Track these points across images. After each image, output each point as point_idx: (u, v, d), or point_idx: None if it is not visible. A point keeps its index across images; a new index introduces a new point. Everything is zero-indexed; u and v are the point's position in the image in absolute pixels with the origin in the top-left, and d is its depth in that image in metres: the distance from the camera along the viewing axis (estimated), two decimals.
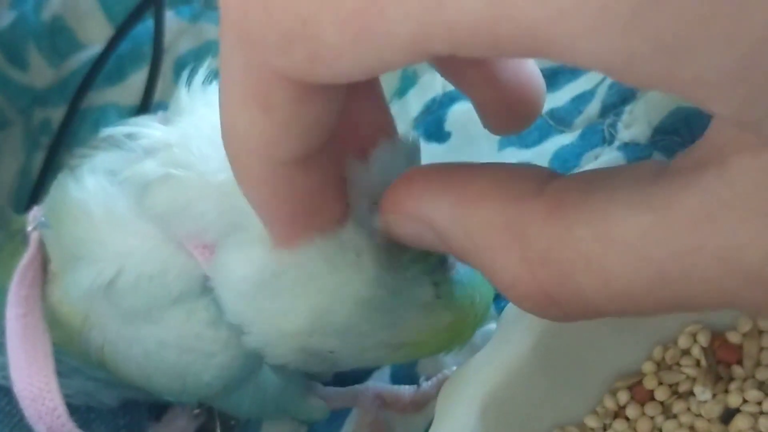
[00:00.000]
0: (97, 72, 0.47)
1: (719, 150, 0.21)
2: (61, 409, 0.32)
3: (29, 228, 0.35)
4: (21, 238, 0.35)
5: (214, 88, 0.33)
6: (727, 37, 0.18)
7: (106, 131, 0.34)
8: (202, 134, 0.31)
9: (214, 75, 0.33)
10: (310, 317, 0.29)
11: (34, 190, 0.45)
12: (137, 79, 0.47)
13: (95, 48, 0.47)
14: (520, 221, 0.24)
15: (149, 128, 0.32)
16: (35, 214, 0.35)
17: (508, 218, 0.24)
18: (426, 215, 0.26)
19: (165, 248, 0.32)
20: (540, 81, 0.29)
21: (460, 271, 0.32)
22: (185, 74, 0.33)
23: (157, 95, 0.46)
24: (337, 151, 0.27)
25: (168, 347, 0.33)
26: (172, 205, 0.31)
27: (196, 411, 0.38)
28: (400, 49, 0.20)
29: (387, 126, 0.30)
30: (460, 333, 0.32)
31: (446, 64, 0.30)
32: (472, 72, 0.29)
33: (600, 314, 0.24)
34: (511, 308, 0.33)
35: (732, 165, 0.21)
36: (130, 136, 0.33)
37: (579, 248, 0.23)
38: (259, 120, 0.23)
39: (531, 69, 0.31)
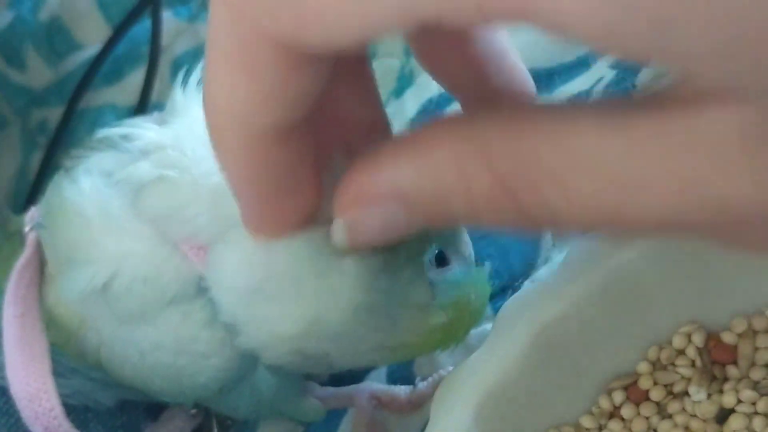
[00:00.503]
0: (94, 72, 0.47)
1: (687, 96, 0.22)
2: (58, 410, 0.32)
3: (26, 229, 0.35)
4: (18, 239, 0.35)
5: None
6: (713, 15, 0.19)
7: (102, 132, 0.34)
8: (196, 135, 0.31)
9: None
10: (303, 322, 0.30)
11: (31, 191, 0.45)
12: (134, 80, 0.47)
13: (93, 48, 0.47)
14: (484, 141, 0.24)
15: (144, 129, 0.33)
16: (32, 214, 0.35)
17: (474, 144, 0.24)
18: (390, 183, 0.26)
19: (160, 250, 0.32)
20: (526, 79, 0.29)
21: (456, 270, 0.32)
22: (181, 75, 0.33)
23: (155, 96, 0.46)
24: (319, 142, 0.27)
25: (163, 349, 0.33)
26: (165, 207, 0.31)
27: (193, 411, 0.38)
28: (386, 13, 0.21)
29: (379, 124, 0.30)
30: (455, 332, 0.33)
31: (430, 56, 0.30)
32: (455, 67, 0.30)
33: (566, 227, 0.24)
34: (506, 309, 0.33)
35: (700, 112, 0.22)
36: (125, 138, 0.33)
37: (543, 163, 0.23)
38: (242, 85, 0.24)
39: (515, 66, 0.31)
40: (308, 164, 0.27)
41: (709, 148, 0.22)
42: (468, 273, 0.32)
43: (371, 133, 0.29)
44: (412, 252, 0.31)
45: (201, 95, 0.32)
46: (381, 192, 0.26)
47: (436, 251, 0.32)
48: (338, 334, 0.30)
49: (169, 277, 0.32)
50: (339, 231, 0.27)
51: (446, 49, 0.30)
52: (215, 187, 0.30)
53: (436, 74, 0.31)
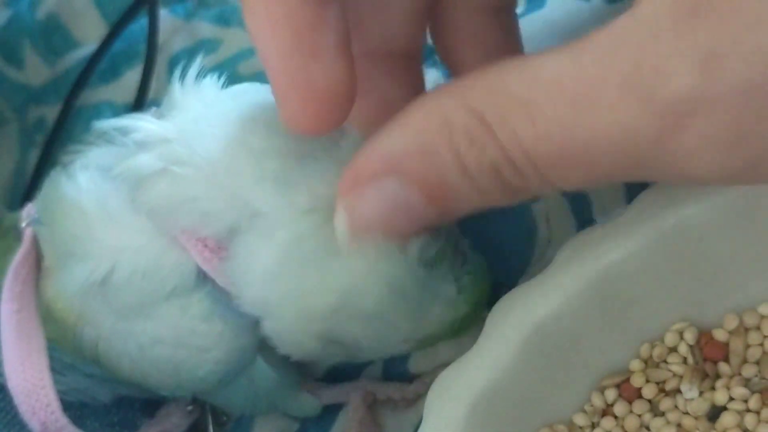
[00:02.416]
0: (91, 70, 0.47)
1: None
2: (55, 405, 0.32)
3: (23, 224, 0.35)
4: (14, 235, 0.35)
5: (207, 84, 0.33)
6: None
7: (99, 126, 0.34)
8: (202, 132, 0.32)
9: (206, 71, 0.34)
10: (339, 295, 0.30)
11: (28, 188, 0.45)
12: (131, 78, 0.47)
13: (90, 46, 0.48)
14: (463, 88, 0.26)
15: (143, 122, 0.33)
16: (29, 210, 0.35)
17: (454, 94, 0.26)
18: (382, 155, 0.27)
19: (158, 243, 0.32)
20: None
21: (473, 263, 0.33)
22: (178, 71, 0.33)
23: (152, 93, 0.46)
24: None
25: (162, 342, 0.33)
26: (170, 199, 0.31)
27: (189, 408, 0.39)
28: None
29: None
30: (472, 322, 0.33)
31: (450, 47, 0.34)
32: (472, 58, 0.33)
33: (535, 163, 0.25)
34: (499, 306, 0.33)
35: (643, 1, 0.24)
36: (122, 131, 0.33)
37: (513, 93, 0.25)
38: None
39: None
40: (338, 34, 0.28)
41: (642, 40, 0.23)
42: (480, 263, 0.33)
43: None
44: (443, 247, 0.31)
45: (199, 90, 0.33)
46: (375, 167, 0.27)
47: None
48: (369, 317, 0.31)
49: (167, 270, 0.32)
50: (340, 218, 0.28)
51: (466, 42, 0.31)
52: (231, 181, 0.31)
53: (453, 66, 0.34)
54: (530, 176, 0.26)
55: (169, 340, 0.33)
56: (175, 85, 0.33)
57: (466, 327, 0.33)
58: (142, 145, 0.32)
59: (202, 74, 0.33)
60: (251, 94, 0.33)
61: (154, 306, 0.32)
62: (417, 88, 0.34)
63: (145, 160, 0.32)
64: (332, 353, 0.33)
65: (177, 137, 0.32)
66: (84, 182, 0.33)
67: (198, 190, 0.31)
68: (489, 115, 0.25)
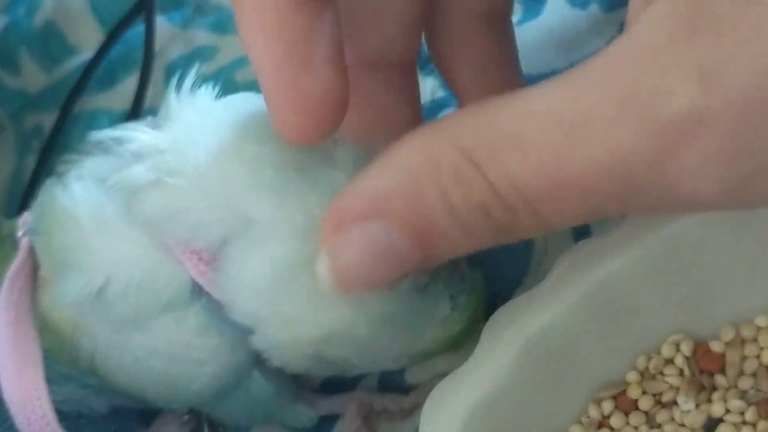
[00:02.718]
0: (88, 77, 0.47)
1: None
2: (51, 416, 0.32)
3: (19, 234, 0.35)
4: (10, 243, 0.35)
5: (202, 93, 0.33)
6: None
7: (95, 136, 0.34)
8: (195, 141, 0.32)
9: (203, 79, 0.34)
10: (329, 328, 0.30)
11: (25, 195, 0.45)
12: (128, 85, 0.47)
13: (87, 53, 0.48)
14: (451, 124, 0.26)
15: (137, 132, 0.33)
16: (25, 219, 0.35)
17: (442, 131, 0.26)
18: (366, 196, 0.26)
19: (153, 255, 0.32)
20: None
21: (468, 278, 0.33)
22: (174, 79, 0.33)
23: (148, 101, 0.46)
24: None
25: (158, 356, 0.33)
26: (163, 210, 0.31)
27: (185, 418, 0.38)
28: None
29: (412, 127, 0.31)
30: (468, 335, 0.34)
31: (445, 57, 0.34)
32: (468, 69, 0.33)
33: (526, 190, 0.25)
34: (496, 318, 0.33)
35: (638, 22, 0.23)
36: (117, 141, 0.33)
37: (503, 129, 0.24)
38: None
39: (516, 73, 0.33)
40: (331, 44, 0.28)
41: (639, 60, 0.23)
42: (476, 277, 0.33)
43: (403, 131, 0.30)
44: (437, 270, 0.31)
45: (195, 100, 0.33)
46: (360, 209, 0.26)
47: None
48: (361, 343, 0.31)
49: (162, 282, 0.32)
50: (322, 264, 0.27)
51: (461, 50, 0.31)
52: (221, 192, 0.31)
53: (448, 75, 0.34)
54: (521, 213, 0.25)
55: (165, 353, 0.33)
56: (171, 95, 0.33)
57: (462, 342, 0.33)
58: (137, 156, 0.32)
59: (197, 84, 0.33)
60: (246, 104, 0.33)
61: (150, 319, 0.32)
62: (412, 98, 0.34)
63: (139, 171, 0.32)
64: (323, 369, 0.33)
65: (170, 147, 0.32)
66: (79, 192, 0.33)
67: (191, 200, 0.31)
68: (477, 152, 0.25)
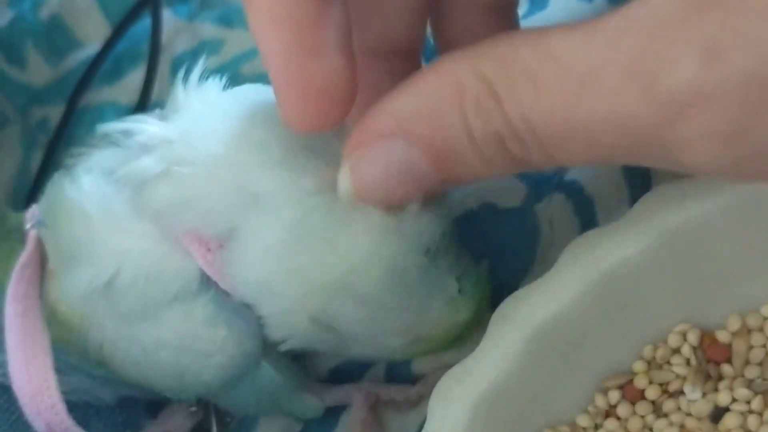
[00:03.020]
0: (94, 71, 0.47)
1: None
2: (60, 406, 0.32)
3: (27, 226, 0.35)
4: (17, 236, 0.35)
5: (209, 85, 0.33)
6: None
7: (102, 129, 0.34)
8: (203, 130, 0.32)
9: (210, 72, 0.34)
10: (340, 272, 0.30)
11: (32, 189, 0.45)
12: (135, 78, 0.47)
13: (93, 47, 0.48)
14: (476, 54, 0.27)
15: (145, 124, 0.33)
16: (33, 212, 0.35)
17: (467, 59, 0.27)
18: (390, 115, 0.27)
19: (161, 247, 0.32)
20: None
21: (478, 267, 0.33)
22: (182, 72, 0.33)
23: (155, 94, 0.46)
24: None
25: (166, 347, 0.33)
26: (172, 200, 0.31)
27: (193, 408, 0.38)
28: None
29: None
30: (472, 330, 0.34)
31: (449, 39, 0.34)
32: None
33: (538, 129, 0.26)
34: (502, 308, 0.33)
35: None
36: (125, 134, 0.33)
37: (521, 65, 0.25)
38: None
39: None
40: (340, 32, 0.29)
41: (650, 27, 0.24)
42: (480, 271, 0.33)
43: None
44: (447, 242, 0.31)
45: (202, 92, 0.33)
46: (382, 126, 0.28)
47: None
48: (367, 300, 0.31)
49: (171, 274, 0.32)
50: (344, 177, 0.29)
51: (467, 40, 0.31)
52: (234, 173, 0.31)
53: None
54: (532, 148, 0.26)
55: (173, 345, 0.33)
56: (179, 87, 0.33)
57: (466, 336, 0.33)
58: (145, 148, 0.32)
59: (204, 76, 0.33)
60: (253, 94, 0.33)
61: (158, 310, 0.32)
62: None
63: (148, 163, 0.32)
64: (326, 340, 0.32)
65: (178, 138, 0.32)
66: (87, 185, 0.33)
67: (201, 187, 0.31)
68: (497, 83, 0.26)
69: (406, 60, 0.34)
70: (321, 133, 0.30)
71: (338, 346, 0.33)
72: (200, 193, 0.31)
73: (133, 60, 0.47)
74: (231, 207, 0.31)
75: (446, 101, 0.26)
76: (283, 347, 0.33)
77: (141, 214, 0.32)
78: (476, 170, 0.28)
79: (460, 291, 0.33)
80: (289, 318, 0.32)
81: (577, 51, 0.25)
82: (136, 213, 0.32)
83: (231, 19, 0.47)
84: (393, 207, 0.30)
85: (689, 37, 0.23)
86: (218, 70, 0.37)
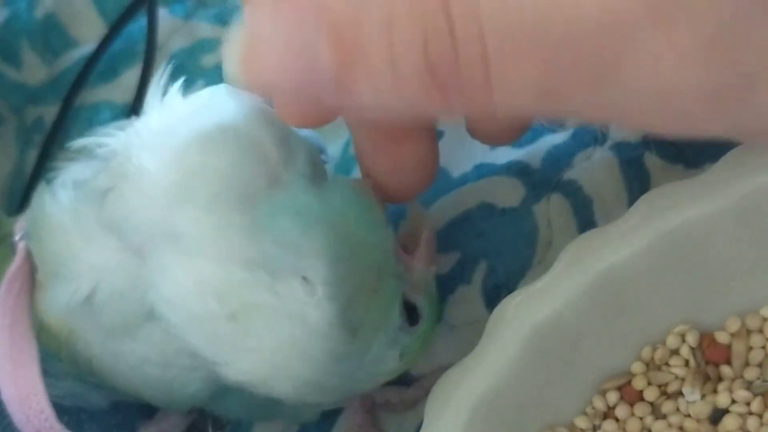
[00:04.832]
0: (90, 70, 0.47)
1: None
2: (49, 412, 0.32)
3: (16, 237, 0.35)
4: (9, 244, 0.35)
5: (171, 89, 0.33)
6: None
7: (78, 142, 0.34)
8: (143, 141, 0.31)
9: (186, 71, 0.34)
10: (250, 377, 0.30)
11: (26, 189, 0.45)
12: (130, 77, 0.47)
13: (88, 46, 0.47)
14: None
15: (107, 137, 0.33)
16: (21, 224, 0.35)
17: None
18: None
19: (131, 262, 0.31)
20: None
21: (424, 318, 0.33)
22: (158, 75, 0.33)
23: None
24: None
25: (150, 362, 0.32)
26: (117, 216, 0.31)
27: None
28: None
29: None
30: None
31: None
32: None
33: (487, 29, 0.21)
34: (500, 309, 0.33)
35: None
36: (97, 146, 0.33)
37: None
38: None
39: None
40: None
41: None
42: (431, 312, 0.33)
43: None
44: (379, 321, 0.31)
45: (167, 94, 0.33)
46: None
47: (404, 311, 0.32)
48: (303, 383, 0.30)
49: (143, 290, 0.31)
50: (235, 38, 0.25)
51: None
52: (156, 194, 0.30)
53: None
54: (466, 65, 0.22)
55: (157, 360, 0.32)
56: (153, 90, 0.33)
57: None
58: (106, 160, 0.32)
59: (173, 78, 0.33)
60: (210, 100, 0.33)
61: (137, 326, 0.32)
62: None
63: (102, 178, 0.32)
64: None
65: (122, 151, 0.32)
66: (64, 200, 0.33)
67: (133, 204, 0.31)
68: None
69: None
70: (264, 162, 0.30)
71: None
72: (133, 209, 0.31)
73: (129, 59, 0.47)
74: (156, 224, 0.31)
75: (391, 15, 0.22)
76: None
77: (107, 229, 0.32)
78: (381, 87, 0.23)
79: (402, 356, 0.32)
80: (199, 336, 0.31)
81: None
82: (103, 228, 0.32)
83: (227, 17, 0.47)
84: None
85: None
86: (214, 69, 0.37)
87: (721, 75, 0.21)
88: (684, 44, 0.21)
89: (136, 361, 0.32)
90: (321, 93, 0.24)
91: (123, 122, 0.33)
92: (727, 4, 0.21)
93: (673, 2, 0.20)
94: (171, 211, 0.30)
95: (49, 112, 0.47)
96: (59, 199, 0.33)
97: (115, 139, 0.32)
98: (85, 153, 0.33)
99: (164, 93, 0.33)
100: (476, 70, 0.22)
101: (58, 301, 0.32)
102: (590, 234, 0.33)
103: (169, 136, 0.31)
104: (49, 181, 0.34)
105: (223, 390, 0.34)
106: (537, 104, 0.22)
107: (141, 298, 0.31)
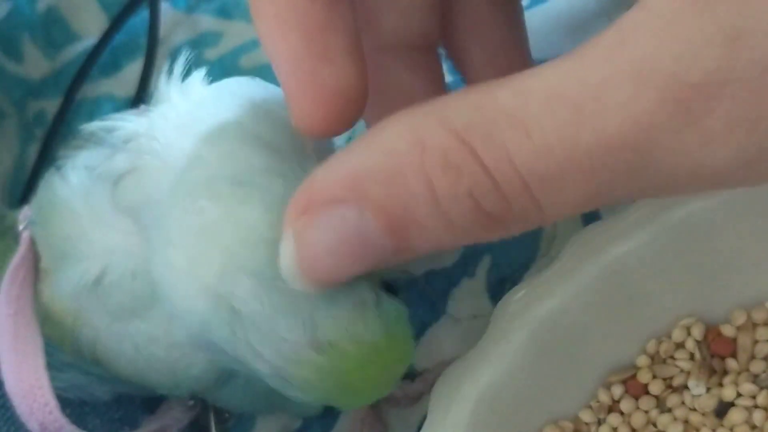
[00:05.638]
0: (92, 63, 0.47)
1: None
2: (53, 404, 0.32)
3: (20, 227, 0.35)
4: (12, 236, 0.35)
5: (193, 78, 0.33)
6: None
7: (88, 127, 0.34)
8: (169, 122, 0.32)
9: (193, 64, 0.33)
10: (232, 240, 0.29)
11: (28, 183, 0.45)
12: (132, 71, 0.46)
13: (90, 39, 0.47)
14: (440, 106, 0.24)
15: (123, 121, 0.33)
16: (25, 213, 0.35)
17: (429, 111, 0.24)
18: (341, 175, 0.24)
19: (143, 243, 0.31)
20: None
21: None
22: (166, 65, 0.33)
23: (152, 87, 0.46)
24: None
25: (157, 342, 0.32)
26: (138, 196, 0.31)
27: (190, 403, 0.38)
28: None
29: None
30: (389, 366, 0.30)
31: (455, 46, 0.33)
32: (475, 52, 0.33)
33: (527, 174, 0.23)
34: (505, 303, 0.33)
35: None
36: (109, 131, 0.33)
37: (502, 108, 0.23)
38: None
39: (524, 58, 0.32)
40: (348, 34, 0.27)
41: (657, 28, 0.22)
42: (402, 312, 0.30)
43: None
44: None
45: (183, 84, 0.33)
46: (332, 191, 0.25)
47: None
48: (260, 275, 0.28)
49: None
50: (286, 248, 0.26)
51: (471, 32, 0.31)
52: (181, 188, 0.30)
53: (457, 57, 0.34)
54: (516, 201, 0.23)
55: (163, 340, 0.32)
56: (162, 80, 0.33)
57: (388, 375, 0.31)
58: (121, 144, 0.32)
59: (188, 67, 0.33)
60: (236, 88, 0.33)
61: (147, 306, 0.32)
62: (436, 79, 0.34)
63: (119, 160, 0.32)
64: (226, 330, 0.30)
65: (145, 132, 0.32)
66: (75, 183, 0.33)
67: (157, 181, 0.31)
68: (472, 133, 0.23)
69: (424, 54, 0.33)
70: (285, 144, 0.30)
71: (240, 345, 0.30)
72: (156, 184, 0.31)
73: (131, 52, 0.47)
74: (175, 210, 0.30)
75: (405, 159, 0.23)
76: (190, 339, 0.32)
77: (120, 211, 0.32)
78: (438, 238, 0.24)
79: (376, 305, 0.29)
80: (186, 291, 0.30)
81: (569, 77, 0.22)
82: (116, 209, 0.32)
83: (229, 10, 0.47)
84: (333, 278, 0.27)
85: (705, 29, 0.21)
86: (217, 62, 0.37)
87: (754, 147, 0.22)
88: (712, 128, 0.22)
89: (142, 341, 0.32)
90: (379, 260, 0.25)
91: (130, 111, 0.33)
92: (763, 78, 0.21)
93: (694, 95, 0.22)
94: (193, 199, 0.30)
95: (51, 105, 0.47)
96: (70, 182, 0.33)
97: (132, 124, 0.32)
98: (95, 140, 0.33)
99: (183, 80, 0.33)
100: (529, 209, 0.24)
101: (67, 282, 0.32)
102: (595, 227, 0.33)
103: (197, 119, 0.32)
104: (58, 168, 0.34)
105: (227, 375, 0.34)
106: (582, 209, 0.24)
107: (152, 278, 0.31)
